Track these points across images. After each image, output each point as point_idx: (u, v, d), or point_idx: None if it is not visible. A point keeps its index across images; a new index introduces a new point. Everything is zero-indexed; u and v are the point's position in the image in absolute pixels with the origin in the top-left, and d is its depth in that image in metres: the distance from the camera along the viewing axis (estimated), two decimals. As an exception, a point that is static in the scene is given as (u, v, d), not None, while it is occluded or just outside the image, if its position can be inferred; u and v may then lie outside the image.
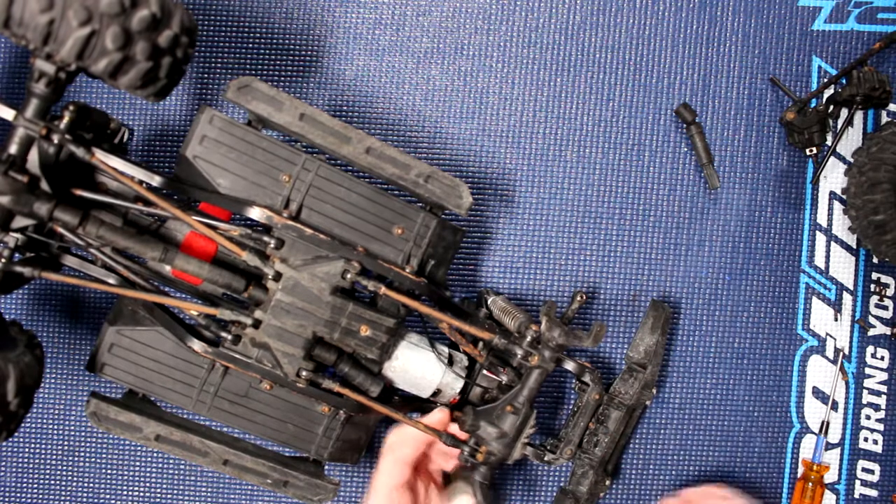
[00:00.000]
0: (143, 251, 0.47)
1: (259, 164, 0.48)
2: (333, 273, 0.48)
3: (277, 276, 0.48)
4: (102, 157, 0.46)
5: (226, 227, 0.48)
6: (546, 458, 0.56)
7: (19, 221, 0.45)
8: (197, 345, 0.49)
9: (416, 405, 0.57)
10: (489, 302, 0.58)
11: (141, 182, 0.47)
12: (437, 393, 0.55)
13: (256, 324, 0.48)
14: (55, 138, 0.44)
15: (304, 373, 0.49)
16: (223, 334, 0.49)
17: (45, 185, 0.45)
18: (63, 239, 0.47)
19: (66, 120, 0.45)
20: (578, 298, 0.56)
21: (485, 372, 0.55)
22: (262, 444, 0.55)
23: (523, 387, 0.53)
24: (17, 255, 0.47)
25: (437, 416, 0.53)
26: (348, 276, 0.48)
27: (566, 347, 0.53)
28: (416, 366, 0.54)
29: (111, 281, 0.49)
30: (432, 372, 0.54)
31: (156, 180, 0.48)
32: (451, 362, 0.55)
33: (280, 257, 0.48)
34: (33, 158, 0.45)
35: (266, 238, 0.48)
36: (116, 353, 0.50)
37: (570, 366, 0.56)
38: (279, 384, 0.51)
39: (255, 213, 0.48)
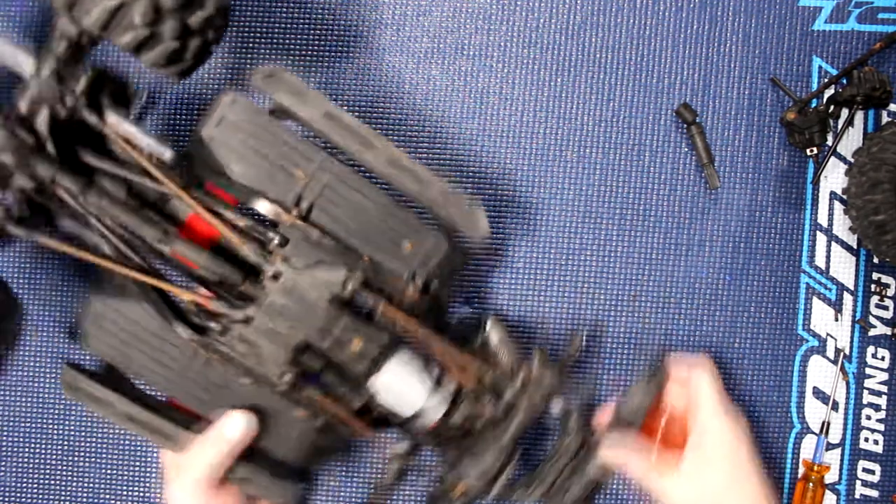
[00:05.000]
0: (141, 229, 0.45)
1: (275, 156, 0.46)
2: (334, 282, 0.46)
3: (276, 276, 0.46)
4: (115, 123, 0.44)
5: (232, 216, 0.47)
6: (516, 496, 0.54)
7: (19, 181, 0.43)
8: (182, 331, 0.47)
9: (395, 424, 0.54)
10: (487, 327, 0.55)
11: (151, 155, 0.45)
12: (417, 414, 0.53)
13: (247, 320, 0.46)
14: (69, 101, 0.43)
15: (287, 377, 0.47)
16: (211, 323, 0.47)
17: (51, 148, 0.43)
18: (63, 204, 0.45)
19: (82, 84, 0.43)
20: (577, 341, 0.54)
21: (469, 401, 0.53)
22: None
23: (509, 425, 0.51)
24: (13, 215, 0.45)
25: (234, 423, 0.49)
26: (349, 286, 0.46)
27: (555, 394, 0.51)
28: (402, 384, 0.51)
29: (106, 250, 0.47)
30: (417, 393, 0.52)
31: (167, 155, 0.46)
32: (438, 385, 0.52)
33: (282, 256, 0.46)
34: (43, 119, 0.43)
35: (271, 234, 0.46)
36: (99, 325, 0.47)
37: (555, 408, 0.54)
38: (260, 383, 0.49)
39: (264, 207, 0.46)
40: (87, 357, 0.50)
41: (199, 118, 0.61)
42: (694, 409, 0.51)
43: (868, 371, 0.66)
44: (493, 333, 0.55)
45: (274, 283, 0.46)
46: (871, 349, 0.66)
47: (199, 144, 0.46)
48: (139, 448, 0.65)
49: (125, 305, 0.47)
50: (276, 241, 0.46)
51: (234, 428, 0.48)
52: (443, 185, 0.48)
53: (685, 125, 0.63)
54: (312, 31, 0.63)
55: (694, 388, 0.52)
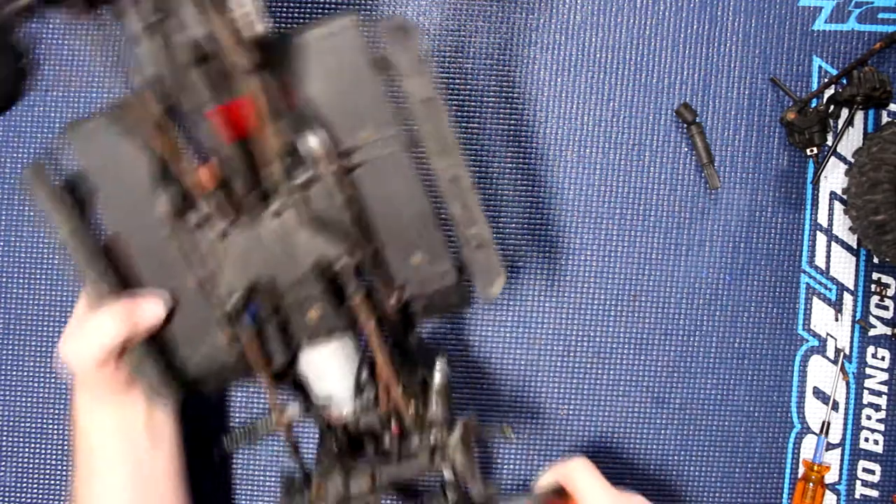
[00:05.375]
0: (193, 84, 0.40)
1: (356, 102, 0.43)
2: (329, 254, 0.44)
3: (280, 212, 0.43)
4: None
5: (281, 128, 0.42)
6: None
7: None
8: (161, 202, 0.43)
9: (300, 394, 0.52)
10: (435, 369, 0.52)
11: (245, 14, 0.40)
12: (325, 401, 0.51)
13: (225, 233, 0.43)
14: None
15: (229, 304, 0.44)
16: (195, 207, 0.43)
17: None
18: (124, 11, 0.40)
19: None
20: (503, 431, 0.52)
21: (377, 418, 0.51)
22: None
23: (396, 469, 0.49)
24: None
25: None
26: (340, 265, 0.44)
27: (456, 469, 0.49)
28: (328, 370, 0.49)
29: (145, 74, 0.41)
30: (335, 385, 0.50)
31: (259, 28, 0.41)
32: (359, 390, 0.50)
33: (300, 196, 0.43)
34: None
35: (305, 166, 0.43)
36: (94, 135, 0.44)
37: (446, 474, 0.51)
38: (203, 288, 0.46)
39: (315, 140, 0.42)
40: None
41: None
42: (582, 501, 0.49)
43: (868, 371, 0.66)
44: (437, 377, 0.52)
45: (273, 218, 0.43)
46: (871, 349, 0.66)
47: (296, 43, 0.43)
48: (139, 448, 0.65)
49: (128, 140, 0.44)
50: (303, 178, 0.43)
51: (152, 312, 0.46)
52: (485, 231, 0.45)
53: (685, 125, 0.63)
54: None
55: (577, 486, 0.50)
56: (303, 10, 0.63)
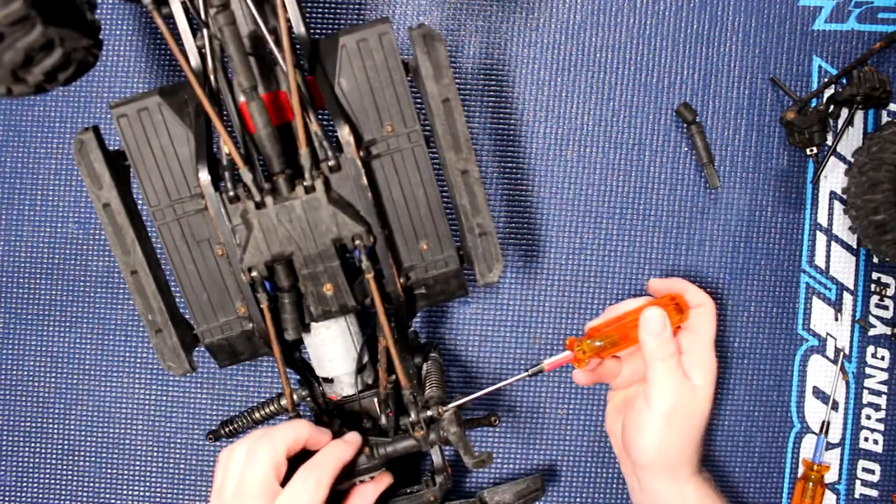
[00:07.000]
0: (238, 72, 0.44)
1: (381, 98, 0.47)
2: (349, 230, 0.47)
3: (309, 190, 0.46)
4: None
5: (313, 117, 0.47)
6: None
7: None
8: (203, 174, 0.46)
9: (305, 374, 0.56)
10: (427, 355, 0.57)
11: (288, 20, 0.46)
12: (328, 380, 0.54)
13: (258, 206, 0.46)
14: None
15: (255, 273, 0.47)
16: (229, 184, 0.47)
17: None
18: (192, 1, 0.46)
19: None
20: (491, 420, 0.57)
21: (375, 400, 0.55)
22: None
23: (392, 444, 0.53)
24: None
25: (355, 438, 0.52)
26: (357, 242, 0.47)
27: (450, 445, 0.52)
28: (334, 348, 0.53)
29: (192, 61, 0.47)
30: (341, 364, 0.53)
31: (300, 30, 0.47)
32: (361, 370, 0.54)
33: (326, 177, 0.47)
34: None
35: (331, 154, 0.47)
36: (142, 117, 0.48)
37: (436, 458, 0.56)
38: (228, 261, 0.49)
39: (344, 132, 0.46)
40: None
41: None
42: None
43: (868, 371, 0.66)
44: (429, 363, 0.56)
45: (302, 194, 0.46)
46: (870, 349, 0.66)
47: (333, 44, 0.47)
48: (139, 448, 0.65)
49: (173, 119, 0.48)
50: (330, 163, 0.47)
51: (354, 438, 0.51)
52: (489, 221, 0.49)
53: (685, 125, 0.63)
54: (313, 33, 0.63)
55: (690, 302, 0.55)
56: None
